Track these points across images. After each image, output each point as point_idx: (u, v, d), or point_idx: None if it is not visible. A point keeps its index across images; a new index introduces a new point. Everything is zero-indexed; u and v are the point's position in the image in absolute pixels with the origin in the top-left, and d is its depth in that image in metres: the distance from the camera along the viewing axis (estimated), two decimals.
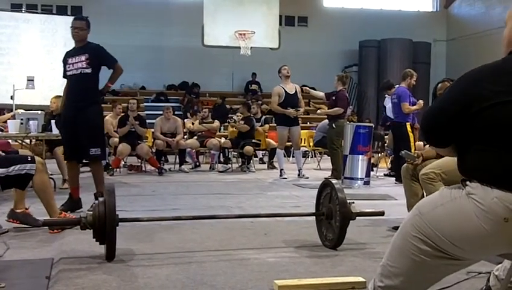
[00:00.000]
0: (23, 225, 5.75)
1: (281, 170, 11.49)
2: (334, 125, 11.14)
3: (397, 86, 11.06)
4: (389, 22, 23.59)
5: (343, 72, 20.79)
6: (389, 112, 12.08)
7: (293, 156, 13.79)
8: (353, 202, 4.96)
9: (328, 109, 11.50)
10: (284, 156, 12.66)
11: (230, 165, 12.96)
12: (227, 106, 20.78)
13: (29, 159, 5.66)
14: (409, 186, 5.70)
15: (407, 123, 10.37)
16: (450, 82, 5.89)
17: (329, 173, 11.27)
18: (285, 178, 11.21)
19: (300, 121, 12.53)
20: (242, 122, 13.38)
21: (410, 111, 10.44)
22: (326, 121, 12.20)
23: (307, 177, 11.29)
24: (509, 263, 2.66)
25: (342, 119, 11.17)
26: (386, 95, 12.91)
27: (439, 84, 6.62)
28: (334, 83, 11.49)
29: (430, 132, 2.47)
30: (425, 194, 5.22)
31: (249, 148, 12.78)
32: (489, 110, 2.27)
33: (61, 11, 21.23)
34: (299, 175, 11.46)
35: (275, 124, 12.57)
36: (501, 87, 2.28)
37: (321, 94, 12.17)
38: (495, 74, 2.35)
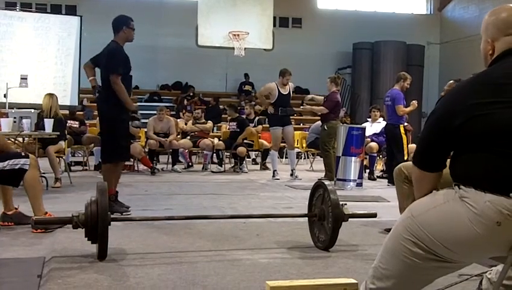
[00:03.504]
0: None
1: (274, 171, 11.49)
2: (325, 127, 11.18)
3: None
4: (383, 24, 23.60)
5: (336, 74, 20.83)
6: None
7: (286, 157, 13.78)
8: (345, 204, 4.96)
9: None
10: (278, 157, 12.64)
11: (223, 167, 12.94)
12: (220, 106, 20.78)
13: (23, 154, 5.70)
14: (402, 188, 5.68)
15: (400, 125, 10.39)
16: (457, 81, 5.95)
17: (322, 174, 11.29)
18: (278, 179, 11.21)
19: (293, 122, 12.52)
20: (234, 124, 13.31)
21: (405, 113, 10.46)
22: (319, 122, 12.22)
23: (300, 179, 11.30)
24: (502, 265, 2.67)
25: (334, 121, 11.18)
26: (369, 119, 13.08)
27: (448, 83, 6.71)
28: (327, 85, 11.52)
29: (424, 154, 2.49)
30: None
31: (242, 149, 12.77)
32: (479, 118, 2.30)
33: (56, 9, 21.17)
34: (291, 175, 11.45)
35: (267, 124, 12.52)
36: (488, 97, 2.32)
37: (321, 107, 11.95)
38: (480, 85, 2.39)
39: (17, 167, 5.49)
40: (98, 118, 7.28)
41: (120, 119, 6.83)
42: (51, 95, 9.87)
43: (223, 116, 19.01)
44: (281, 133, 11.39)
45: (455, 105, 2.37)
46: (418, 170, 2.51)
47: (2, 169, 5.43)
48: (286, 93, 11.39)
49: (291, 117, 11.98)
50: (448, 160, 2.50)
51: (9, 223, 5.77)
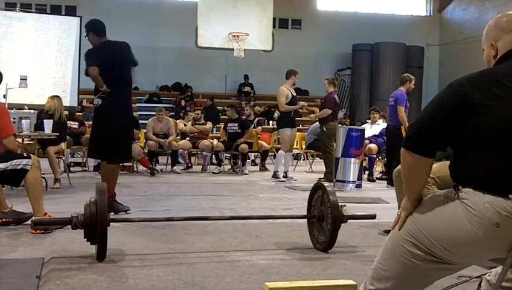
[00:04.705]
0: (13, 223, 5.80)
1: (276, 171, 11.39)
2: (324, 129, 11.17)
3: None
4: (383, 25, 23.61)
5: (335, 75, 20.85)
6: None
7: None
8: (345, 205, 4.97)
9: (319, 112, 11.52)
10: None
11: (222, 168, 12.92)
12: (220, 108, 20.78)
13: (25, 155, 5.73)
14: (401, 189, 5.68)
15: (402, 126, 10.35)
16: None
17: (321, 175, 11.28)
18: (283, 181, 11.11)
19: None
20: (235, 125, 13.24)
21: (403, 117, 10.35)
22: (318, 123, 12.23)
23: (295, 179, 11.31)
24: (501, 267, 2.67)
25: (333, 122, 11.19)
26: (368, 121, 13.15)
27: None
28: (325, 86, 11.52)
29: (420, 137, 2.44)
30: None
31: (243, 146, 12.65)
32: (481, 115, 2.29)
33: (55, 10, 21.20)
34: (285, 177, 11.38)
35: (267, 126, 12.50)
36: (492, 95, 2.31)
37: (324, 110, 11.86)
38: (482, 83, 2.37)
39: (19, 167, 5.53)
40: (100, 118, 7.01)
41: (131, 120, 6.93)
42: (57, 98, 9.86)
43: (221, 117, 18.96)
44: (290, 134, 11.36)
45: (463, 94, 2.33)
46: (412, 155, 2.42)
47: (5, 169, 5.46)
48: (295, 94, 11.44)
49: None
50: (448, 162, 2.50)
51: (8, 220, 5.79)
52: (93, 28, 6.98)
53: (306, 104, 11.82)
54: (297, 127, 12.43)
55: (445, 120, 2.36)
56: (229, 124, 13.36)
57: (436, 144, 2.42)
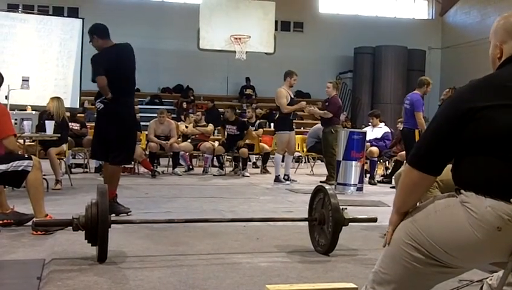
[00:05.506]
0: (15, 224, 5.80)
1: (277, 176, 11.34)
2: (333, 131, 11.09)
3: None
4: (384, 29, 23.65)
5: (337, 78, 20.87)
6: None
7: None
8: (346, 208, 4.96)
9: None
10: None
11: (224, 170, 12.91)
12: (221, 110, 20.79)
13: (27, 156, 5.72)
14: None
15: (416, 130, 10.26)
16: (454, 89, 5.92)
17: (322, 178, 11.28)
18: (289, 183, 11.10)
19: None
20: (234, 127, 13.22)
21: (422, 124, 10.25)
22: (319, 126, 12.22)
23: (298, 182, 11.29)
24: (502, 271, 2.67)
25: (339, 125, 11.22)
26: (370, 123, 13.23)
27: (444, 92, 6.67)
28: (329, 89, 11.47)
29: (425, 154, 2.44)
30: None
31: (244, 150, 12.68)
32: (484, 120, 2.28)
33: (58, 12, 21.24)
34: (286, 180, 11.35)
35: (268, 128, 12.44)
36: (494, 100, 2.31)
37: (325, 111, 11.85)
38: (483, 89, 2.38)
39: (20, 168, 5.52)
40: (103, 120, 6.91)
41: (134, 122, 6.98)
42: (58, 99, 9.87)
43: (222, 119, 18.96)
44: (288, 138, 11.32)
45: (464, 104, 2.34)
46: (418, 173, 2.43)
47: (6, 171, 5.46)
48: (293, 96, 11.42)
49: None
50: (450, 165, 2.50)
51: (9, 221, 5.79)
52: (97, 32, 6.91)
53: (306, 103, 11.82)
54: (300, 130, 12.44)
55: (448, 131, 2.36)
56: (227, 126, 13.34)
57: (442, 161, 2.43)
